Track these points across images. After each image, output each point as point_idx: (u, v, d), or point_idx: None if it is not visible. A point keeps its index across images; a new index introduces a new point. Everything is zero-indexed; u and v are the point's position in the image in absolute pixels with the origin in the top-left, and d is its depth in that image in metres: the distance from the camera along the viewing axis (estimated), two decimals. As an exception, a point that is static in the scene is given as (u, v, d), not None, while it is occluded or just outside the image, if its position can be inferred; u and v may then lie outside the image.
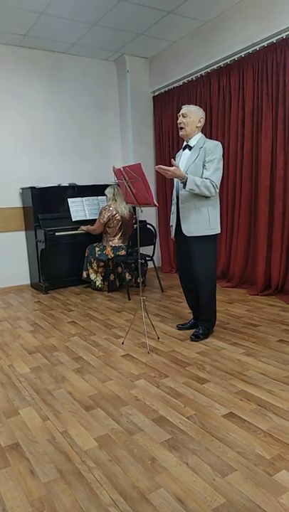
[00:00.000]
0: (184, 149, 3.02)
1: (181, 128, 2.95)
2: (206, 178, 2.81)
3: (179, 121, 2.96)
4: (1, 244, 5.01)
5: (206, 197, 2.87)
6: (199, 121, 2.94)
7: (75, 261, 5.05)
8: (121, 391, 2.36)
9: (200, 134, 2.97)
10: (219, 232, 3.01)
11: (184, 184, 2.78)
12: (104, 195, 4.91)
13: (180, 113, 2.95)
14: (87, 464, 1.73)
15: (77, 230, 4.88)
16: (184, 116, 2.92)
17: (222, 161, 2.91)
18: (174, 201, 3.08)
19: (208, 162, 2.85)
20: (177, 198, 3.01)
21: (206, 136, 3.03)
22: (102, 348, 3.04)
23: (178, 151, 3.23)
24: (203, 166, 2.86)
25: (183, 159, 2.98)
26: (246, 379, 2.42)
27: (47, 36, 4.67)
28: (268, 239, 4.23)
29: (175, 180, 3.03)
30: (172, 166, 2.74)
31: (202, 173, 2.86)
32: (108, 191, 4.76)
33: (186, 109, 2.94)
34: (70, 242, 4.96)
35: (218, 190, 2.87)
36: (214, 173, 2.84)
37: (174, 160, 2.90)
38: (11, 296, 4.87)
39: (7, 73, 4.87)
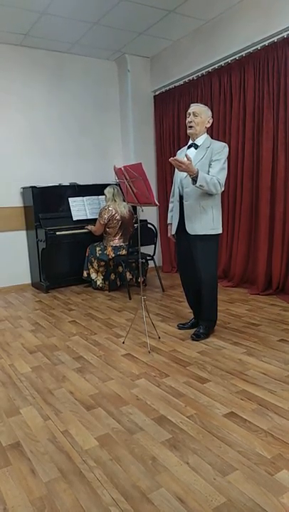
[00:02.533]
0: (188, 147, 3.01)
1: (191, 127, 2.93)
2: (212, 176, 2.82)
3: (189, 120, 2.94)
4: (2, 243, 5.02)
5: (210, 195, 2.88)
6: (208, 121, 2.95)
7: (76, 260, 5.06)
8: (122, 390, 2.36)
9: (206, 134, 2.98)
10: (221, 232, 3.01)
11: (194, 180, 2.76)
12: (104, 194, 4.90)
13: (190, 111, 2.93)
14: (87, 464, 1.73)
15: (77, 229, 4.87)
16: (194, 115, 2.91)
17: (227, 162, 2.92)
18: (176, 199, 3.06)
19: (214, 161, 2.87)
20: (180, 196, 3.00)
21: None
22: (102, 348, 3.04)
23: (178, 149, 3.22)
24: (209, 165, 2.87)
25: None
26: (247, 378, 2.42)
27: (48, 36, 4.67)
28: (268, 238, 4.22)
29: (178, 178, 3.02)
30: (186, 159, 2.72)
31: (208, 172, 2.86)
32: (107, 191, 4.75)
33: (196, 108, 2.93)
34: (70, 242, 4.97)
35: (223, 189, 2.88)
36: (220, 171, 2.85)
37: (175, 156, 2.89)
38: (11, 295, 4.87)
39: (8, 73, 4.87)
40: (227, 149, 2.92)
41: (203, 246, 2.96)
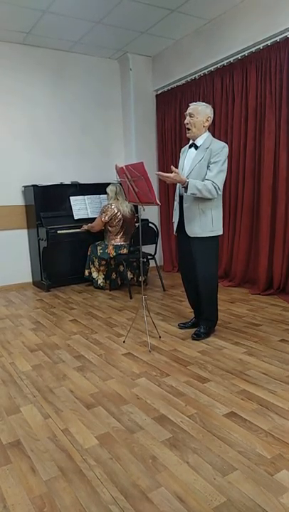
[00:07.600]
0: (190, 147, 3.00)
1: (188, 128, 2.91)
2: (208, 180, 2.80)
3: (185, 122, 2.91)
4: (3, 242, 5.02)
5: (209, 198, 2.86)
6: (207, 120, 2.89)
7: (77, 259, 5.06)
8: (122, 389, 2.36)
9: (207, 133, 2.94)
10: (221, 233, 3.00)
11: (186, 188, 2.78)
12: (106, 193, 4.91)
13: (187, 112, 2.91)
14: (87, 462, 1.73)
15: (79, 228, 4.86)
16: (190, 116, 2.88)
17: (226, 163, 2.89)
18: (177, 198, 3.06)
19: (212, 163, 2.83)
20: (180, 197, 3.00)
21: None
22: (103, 347, 3.05)
23: (180, 148, 3.21)
24: (208, 166, 2.85)
25: (188, 157, 2.96)
26: (248, 378, 2.42)
27: (50, 34, 4.66)
28: (270, 238, 4.22)
29: None
30: (172, 171, 2.73)
31: (206, 173, 2.85)
32: (110, 189, 4.75)
33: (193, 108, 2.88)
34: (71, 241, 4.97)
35: (220, 192, 2.85)
36: (217, 175, 2.81)
37: (180, 155, 2.86)
38: (12, 294, 4.87)
39: (10, 71, 4.87)
40: (226, 150, 2.88)
41: (203, 247, 2.95)
